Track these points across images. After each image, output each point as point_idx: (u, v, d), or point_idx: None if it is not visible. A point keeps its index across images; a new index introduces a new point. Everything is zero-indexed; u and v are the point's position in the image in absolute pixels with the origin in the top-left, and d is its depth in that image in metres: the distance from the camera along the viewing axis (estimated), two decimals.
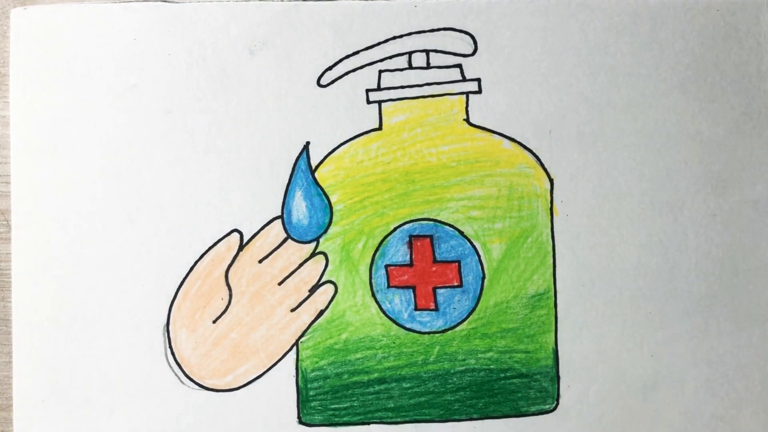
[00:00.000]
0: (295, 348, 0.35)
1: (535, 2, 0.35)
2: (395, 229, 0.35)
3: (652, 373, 0.36)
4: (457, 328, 0.35)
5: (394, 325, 0.35)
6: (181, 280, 0.35)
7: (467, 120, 0.35)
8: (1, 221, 0.36)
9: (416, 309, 0.35)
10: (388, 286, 0.35)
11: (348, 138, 0.36)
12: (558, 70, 0.35)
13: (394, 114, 0.36)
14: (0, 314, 0.36)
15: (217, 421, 0.35)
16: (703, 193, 0.36)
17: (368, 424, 0.35)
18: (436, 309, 0.35)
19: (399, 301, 0.35)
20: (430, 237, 0.35)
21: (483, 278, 0.35)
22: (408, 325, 0.35)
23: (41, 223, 0.35)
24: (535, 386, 0.36)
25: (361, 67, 0.35)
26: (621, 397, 0.36)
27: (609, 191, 0.36)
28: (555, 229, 0.36)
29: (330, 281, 0.35)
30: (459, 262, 0.35)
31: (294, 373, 0.35)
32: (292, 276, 0.35)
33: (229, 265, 0.35)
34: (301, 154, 0.35)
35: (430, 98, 0.35)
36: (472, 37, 0.35)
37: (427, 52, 0.35)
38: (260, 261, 0.35)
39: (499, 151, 0.36)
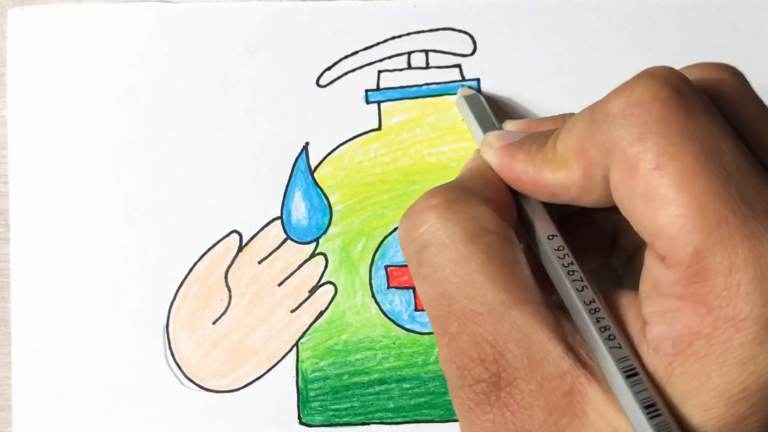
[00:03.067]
0: (295, 349, 0.35)
1: (535, 2, 0.35)
2: (395, 229, 0.35)
3: None
4: None
5: (394, 325, 0.35)
6: (181, 281, 0.35)
7: None
8: (0, 221, 0.36)
9: (416, 310, 0.35)
10: (388, 287, 0.35)
11: (347, 138, 0.35)
12: (558, 70, 0.35)
13: (393, 114, 0.35)
14: None
15: (218, 422, 0.35)
16: None
17: (369, 424, 0.35)
18: None
19: (399, 302, 0.35)
20: None
21: None
22: (408, 326, 0.35)
23: (40, 224, 0.35)
24: None
25: (360, 68, 0.35)
26: None
27: None
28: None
29: (330, 282, 0.35)
30: None
31: (294, 374, 0.35)
32: (292, 277, 0.35)
33: (229, 267, 0.35)
34: (300, 154, 0.35)
35: (429, 98, 0.35)
36: (472, 37, 0.35)
37: (426, 52, 0.35)
38: (260, 262, 0.35)
39: None
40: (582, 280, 0.24)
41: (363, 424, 0.35)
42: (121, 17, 0.35)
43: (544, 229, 0.26)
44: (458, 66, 0.35)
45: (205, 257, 0.35)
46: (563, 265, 0.24)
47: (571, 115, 0.25)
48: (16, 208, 0.35)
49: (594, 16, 0.35)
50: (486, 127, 0.31)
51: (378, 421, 0.35)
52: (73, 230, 0.35)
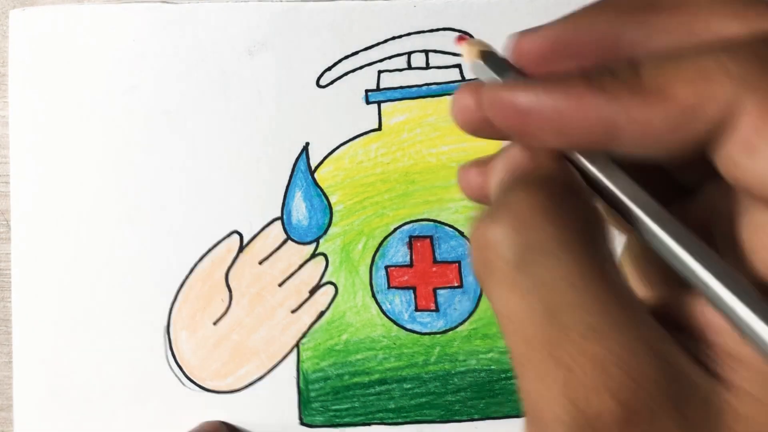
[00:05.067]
0: (295, 349, 0.35)
1: (534, 2, 0.35)
2: (395, 229, 0.35)
3: None
4: (458, 329, 0.35)
5: (395, 326, 0.35)
6: (182, 281, 0.35)
7: None
8: (0, 221, 0.36)
9: (417, 310, 0.35)
10: (389, 287, 0.35)
11: (347, 139, 0.35)
12: None
13: (394, 114, 0.35)
14: (0, 314, 0.36)
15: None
16: None
17: (369, 424, 0.35)
18: (437, 310, 0.35)
19: (399, 302, 0.35)
20: (430, 237, 0.35)
21: None
22: (408, 326, 0.35)
23: (41, 224, 0.35)
24: None
25: (361, 68, 0.35)
26: None
27: None
28: None
29: (330, 282, 0.35)
30: (459, 262, 0.35)
31: (295, 375, 0.35)
32: (293, 277, 0.35)
33: (230, 267, 0.35)
34: (300, 155, 0.35)
35: (429, 98, 0.35)
36: (472, 37, 0.35)
37: (426, 52, 0.35)
38: (260, 262, 0.35)
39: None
40: (711, 253, 0.19)
41: (364, 424, 0.35)
42: (122, 18, 0.35)
43: (643, 199, 0.20)
44: (458, 66, 0.35)
45: (205, 258, 0.35)
46: (680, 235, 0.19)
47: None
48: (17, 207, 0.35)
49: None
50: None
51: (379, 421, 0.35)
52: (73, 230, 0.35)
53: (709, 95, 0.18)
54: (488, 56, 0.24)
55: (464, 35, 0.35)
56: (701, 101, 0.18)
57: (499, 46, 0.36)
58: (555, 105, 0.20)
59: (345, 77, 0.35)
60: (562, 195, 0.20)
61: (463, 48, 0.24)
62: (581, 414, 0.18)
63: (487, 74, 0.24)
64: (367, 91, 0.35)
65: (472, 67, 0.24)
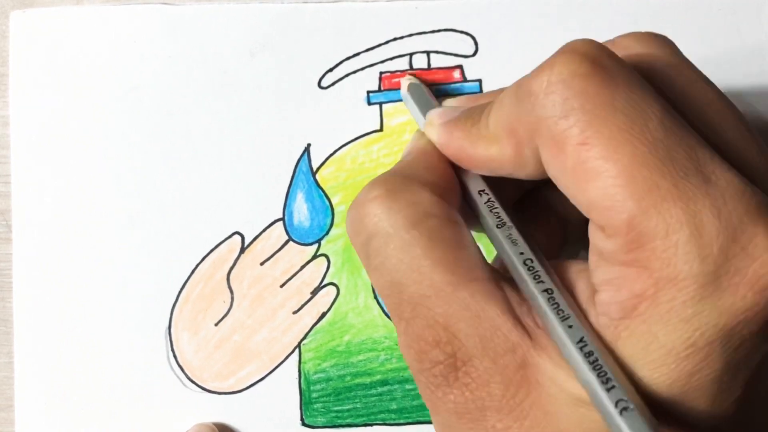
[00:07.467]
0: (297, 350, 0.35)
1: (536, 3, 0.35)
2: None
3: None
4: None
5: None
6: (183, 282, 0.35)
7: None
8: (0, 222, 0.36)
9: None
10: None
11: (349, 140, 0.35)
12: None
13: (395, 115, 0.35)
14: (0, 314, 0.36)
15: (220, 423, 0.35)
16: None
17: (371, 425, 0.35)
18: None
19: None
20: None
21: None
22: None
23: (42, 224, 0.35)
24: None
25: (362, 69, 0.35)
26: None
27: None
28: None
29: (332, 283, 0.35)
30: None
31: (296, 376, 0.35)
32: (294, 278, 0.35)
33: (231, 268, 0.35)
34: (302, 155, 0.35)
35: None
36: (473, 38, 0.35)
37: (428, 53, 0.35)
38: (262, 263, 0.35)
39: None
40: (525, 252, 0.24)
41: (365, 425, 0.35)
42: (123, 19, 0.35)
43: (484, 202, 0.26)
44: (460, 67, 0.35)
45: (207, 259, 0.35)
46: (506, 236, 0.25)
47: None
48: (17, 208, 0.35)
49: (595, 17, 0.35)
50: (429, 109, 0.30)
51: (380, 422, 0.35)
52: (75, 231, 0.35)
53: (523, 142, 0.23)
54: (414, 89, 0.33)
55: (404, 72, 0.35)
56: (520, 147, 0.23)
57: (503, 46, 0.37)
58: (437, 138, 0.27)
59: (346, 78, 0.35)
60: (397, 191, 0.25)
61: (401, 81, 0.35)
62: (423, 359, 0.23)
63: (411, 104, 0.33)
64: (368, 92, 0.35)
65: (403, 97, 0.34)
